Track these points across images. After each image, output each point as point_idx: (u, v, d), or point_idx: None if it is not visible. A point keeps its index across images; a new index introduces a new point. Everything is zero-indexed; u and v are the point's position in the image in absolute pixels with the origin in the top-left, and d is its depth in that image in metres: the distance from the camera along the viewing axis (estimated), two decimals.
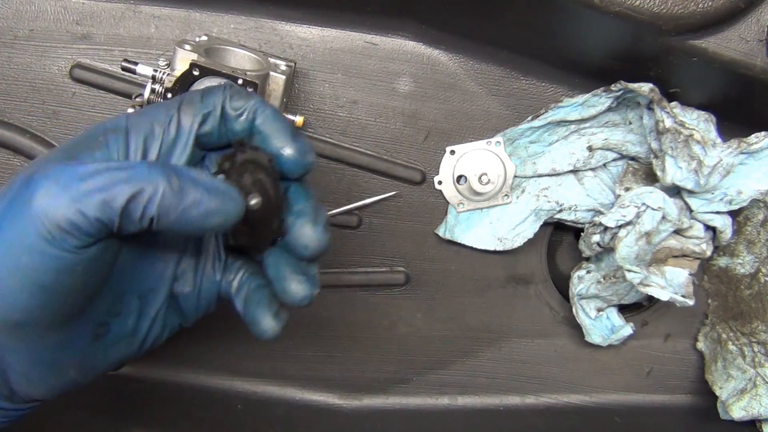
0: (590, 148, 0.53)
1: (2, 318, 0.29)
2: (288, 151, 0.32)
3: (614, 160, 0.54)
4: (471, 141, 0.54)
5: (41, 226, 0.26)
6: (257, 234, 0.32)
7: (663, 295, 0.50)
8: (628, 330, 0.56)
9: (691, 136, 0.47)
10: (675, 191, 0.51)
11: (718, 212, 0.51)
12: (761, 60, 0.44)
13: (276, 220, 0.32)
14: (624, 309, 0.58)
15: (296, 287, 0.32)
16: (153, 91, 0.44)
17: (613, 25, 0.44)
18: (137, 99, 0.46)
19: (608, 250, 0.54)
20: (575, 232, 0.59)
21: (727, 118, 0.51)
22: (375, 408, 0.57)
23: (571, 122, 0.52)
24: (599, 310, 0.56)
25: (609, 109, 0.51)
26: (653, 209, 0.49)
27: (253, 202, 0.30)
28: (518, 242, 0.55)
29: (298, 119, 0.47)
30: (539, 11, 0.47)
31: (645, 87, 0.48)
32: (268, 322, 0.32)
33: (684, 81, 0.49)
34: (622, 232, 0.50)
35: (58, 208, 0.26)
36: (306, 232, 0.31)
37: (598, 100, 0.50)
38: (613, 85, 0.49)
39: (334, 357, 0.57)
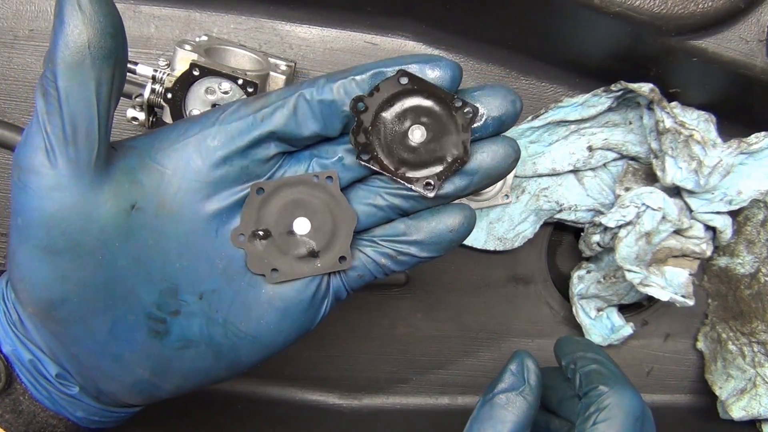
0: (590, 148, 0.53)
1: (34, 302, 0.31)
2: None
3: (614, 160, 0.54)
4: None
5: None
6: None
7: (663, 296, 0.50)
8: (628, 330, 0.56)
9: (691, 136, 0.47)
10: (675, 191, 0.51)
11: (718, 212, 0.51)
12: (761, 60, 0.44)
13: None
14: (624, 309, 0.58)
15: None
16: (153, 91, 0.44)
17: (613, 25, 0.44)
18: (137, 99, 0.46)
19: (608, 250, 0.54)
20: (575, 232, 0.59)
21: (727, 118, 0.51)
22: (375, 408, 0.57)
23: (571, 122, 0.52)
24: (599, 310, 0.56)
25: (609, 109, 0.51)
26: (653, 209, 0.49)
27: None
28: (518, 242, 0.55)
29: None
30: (539, 11, 0.47)
31: (645, 87, 0.48)
32: None
33: (684, 81, 0.49)
34: (622, 232, 0.50)
35: None
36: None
37: (598, 100, 0.50)
38: (613, 85, 0.49)
39: (334, 357, 0.57)
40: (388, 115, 0.31)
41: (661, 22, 0.43)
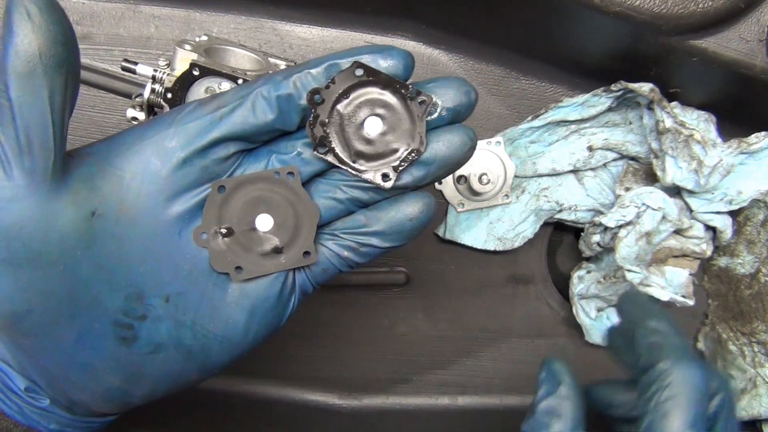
0: (590, 148, 0.53)
1: None
2: None
3: (614, 160, 0.54)
4: None
5: None
6: None
7: (663, 296, 0.50)
8: None
9: (691, 136, 0.47)
10: (675, 191, 0.51)
11: (718, 212, 0.51)
12: (761, 60, 0.44)
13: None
14: None
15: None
16: (153, 91, 0.44)
17: (613, 25, 0.44)
18: (137, 99, 0.46)
19: (608, 250, 0.54)
20: (575, 232, 0.59)
21: (727, 118, 0.51)
22: (375, 408, 0.57)
23: (571, 122, 0.52)
24: (599, 310, 0.56)
25: (609, 109, 0.51)
26: (653, 209, 0.49)
27: None
28: (518, 242, 0.55)
29: None
30: (539, 11, 0.47)
31: (645, 87, 0.48)
32: None
33: (684, 81, 0.49)
34: (622, 232, 0.50)
35: None
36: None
37: (598, 100, 0.50)
38: (613, 85, 0.49)
39: (334, 357, 0.57)
40: (344, 107, 0.31)
41: (661, 22, 0.43)
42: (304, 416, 0.56)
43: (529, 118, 0.52)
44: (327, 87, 0.31)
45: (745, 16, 0.44)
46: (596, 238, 0.53)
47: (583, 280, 0.56)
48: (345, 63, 0.31)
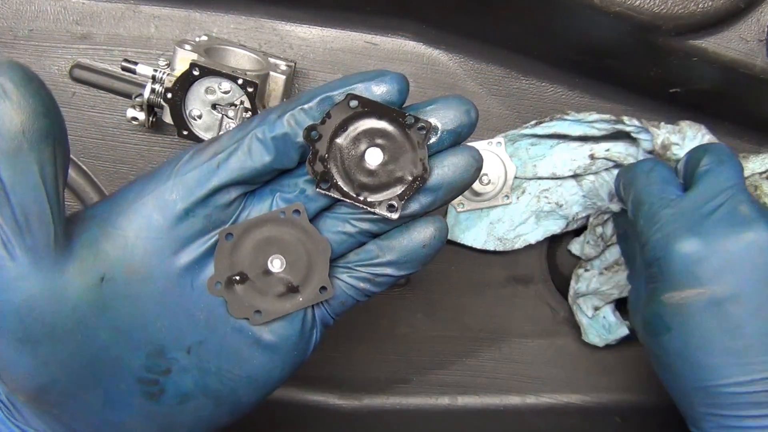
0: (592, 156, 0.53)
1: (24, 391, 0.31)
2: None
3: (615, 166, 0.54)
4: (471, 141, 0.53)
5: None
6: None
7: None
8: (624, 330, 0.56)
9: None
10: None
11: None
12: (761, 60, 0.44)
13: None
14: (624, 307, 0.58)
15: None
16: (153, 91, 0.44)
17: (613, 25, 0.44)
18: (137, 99, 0.46)
19: (609, 245, 0.54)
20: (575, 232, 0.59)
21: (728, 119, 0.51)
22: (375, 408, 0.57)
23: (574, 138, 0.52)
24: (596, 308, 0.56)
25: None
26: None
27: None
28: (519, 244, 0.55)
29: None
30: (539, 11, 0.47)
31: (659, 139, 0.48)
32: None
33: (684, 81, 0.49)
34: None
35: None
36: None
37: (605, 126, 0.50)
38: (626, 118, 0.49)
39: (334, 357, 0.57)
40: (343, 140, 0.31)
41: (661, 22, 0.43)
42: (304, 416, 0.56)
43: (533, 122, 0.52)
44: (323, 122, 0.30)
45: (745, 16, 0.44)
46: (600, 230, 0.53)
47: (582, 278, 0.56)
48: (338, 95, 0.31)
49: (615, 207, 0.51)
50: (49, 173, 0.29)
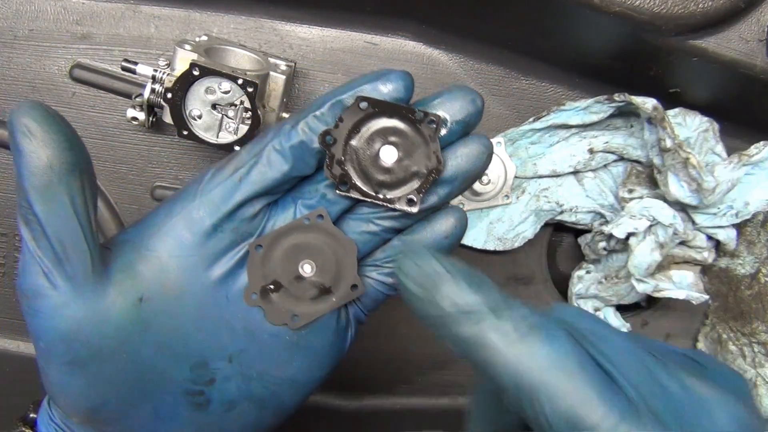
0: (591, 151, 0.53)
1: (76, 412, 0.33)
2: None
3: (615, 161, 0.54)
4: None
5: None
6: None
7: (680, 294, 0.50)
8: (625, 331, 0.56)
9: (687, 159, 0.47)
10: (680, 207, 0.51)
11: (721, 226, 0.51)
12: (761, 60, 0.44)
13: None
14: (623, 309, 0.58)
15: None
16: (153, 91, 0.44)
17: (613, 25, 0.44)
18: (137, 99, 0.46)
19: (612, 251, 0.54)
20: (575, 232, 0.59)
21: (728, 119, 0.51)
22: (375, 408, 0.57)
23: (573, 126, 0.52)
24: (596, 309, 0.56)
25: (611, 115, 0.51)
26: (665, 225, 0.49)
27: None
28: (518, 243, 0.55)
29: None
30: (539, 11, 0.47)
31: (648, 104, 0.47)
32: None
33: (684, 81, 0.49)
34: (633, 241, 0.50)
35: None
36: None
37: (600, 108, 0.50)
38: (616, 95, 0.49)
39: None
40: (357, 141, 0.32)
41: (661, 22, 0.43)
42: (304, 416, 0.56)
43: (531, 119, 0.52)
44: (336, 126, 0.31)
45: (745, 16, 0.44)
46: (603, 244, 0.53)
47: (582, 280, 0.55)
48: (348, 98, 0.32)
49: (617, 232, 0.51)
50: (79, 203, 0.31)
